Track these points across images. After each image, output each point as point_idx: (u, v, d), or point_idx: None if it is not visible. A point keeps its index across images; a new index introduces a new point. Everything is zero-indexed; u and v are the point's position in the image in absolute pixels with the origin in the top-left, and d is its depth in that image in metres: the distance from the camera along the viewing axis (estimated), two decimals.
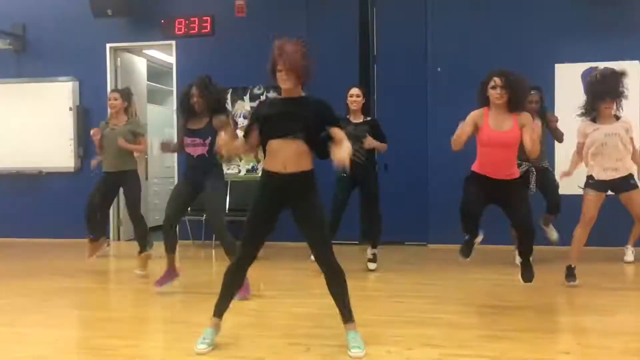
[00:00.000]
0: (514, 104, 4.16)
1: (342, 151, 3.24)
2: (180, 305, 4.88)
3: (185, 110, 4.92)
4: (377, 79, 7.81)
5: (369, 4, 7.82)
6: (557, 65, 7.20)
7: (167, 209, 4.94)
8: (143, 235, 5.97)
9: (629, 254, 6.17)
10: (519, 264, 4.52)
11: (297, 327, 3.97)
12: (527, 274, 4.38)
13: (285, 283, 5.40)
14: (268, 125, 3.41)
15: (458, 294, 4.74)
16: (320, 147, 3.41)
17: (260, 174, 3.57)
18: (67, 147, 8.54)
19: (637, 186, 5.13)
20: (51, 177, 8.60)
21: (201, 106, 4.84)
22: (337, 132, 3.37)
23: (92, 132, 6.21)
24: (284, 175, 3.36)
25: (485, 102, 4.23)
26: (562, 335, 3.80)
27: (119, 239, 8.65)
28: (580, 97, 7.05)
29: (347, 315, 3.49)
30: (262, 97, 7.99)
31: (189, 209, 5.29)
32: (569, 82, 7.15)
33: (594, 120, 5.15)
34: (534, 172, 5.86)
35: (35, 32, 8.59)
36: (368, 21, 7.83)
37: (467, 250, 4.43)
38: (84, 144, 8.51)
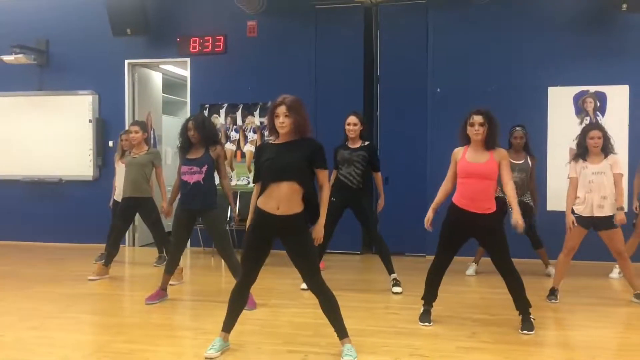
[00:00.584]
0: (490, 141, 4.50)
1: (318, 231, 3.82)
2: (191, 312, 5.33)
3: (185, 140, 5.36)
4: (380, 98, 8.22)
5: (374, 27, 8.24)
6: (550, 89, 7.56)
7: (172, 239, 5.49)
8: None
9: (615, 272, 6.52)
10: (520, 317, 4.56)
11: (297, 336, 4.40)
12: (528, 325, 4.47)
13: (289, 292, 5.82)
14: (264, 169, 3.81)
15: (447, 306, 5.12)
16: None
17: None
18: (86, 156, 9.04)
19: (617, 226, 5.31)
20: (71, 184, 9.09)
21: (196, 138, 5.30)
22: (320, 175, 3.82)
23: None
24: (276, 216, 3.76)
25: (466, 140, 4.57)
26: (537, 349, 4.18)
27: (134, 244, 9.12)
28: (572, 120, 7.54)
29: (341, 332, 3.90)
30: None
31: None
32: (561, 105, 7.54)
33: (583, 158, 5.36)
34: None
35: (57, 48, 9.09)
36: (372, 44, 8.25)
37: (426, 318, 4.68)
38: (102, 154, 8.99)
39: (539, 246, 6.58)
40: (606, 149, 5.31)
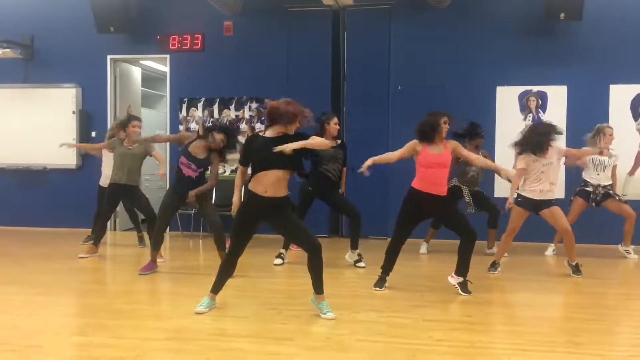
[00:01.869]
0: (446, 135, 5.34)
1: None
2: (176, 281, 5.99)
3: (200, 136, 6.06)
4: (346, 95, 8.96)
5: (341, 29, 8.97)
6: (498, 88, 8.41)
7: (159, 219, 6.10)
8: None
9: (550, 250, 7.41)
10: (457, 285, 5.32)
11: (272, 298, 5.13)
12: (465, 289, 5.24)
13: (265, 266, 6.53)
14: (256, 157, 4.44)
15: (402, 277, 5.88)
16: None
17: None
18: None
19: (554, 203, 6.11)
20: (55, 173, 9.63)
21: (217, 148, 5.95)
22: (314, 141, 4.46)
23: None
24: (265, 198, 4.40)
25: (431, 139, 5.28)
26: (468, 305, 4.94)
27: (115, 229, 9.70)
28: (517, 116, 8.38)
29: (319, 289, 4.57)
30: (246, 106, 9.11)
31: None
32: (508, 103, 8.39)
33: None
34: (470, 195, 7.09)
35: (42, 43, 9.59)
36: (340, 45, 8.98)
37: (382, 283, 5.45)
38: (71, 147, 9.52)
39: (494, 226, 7.34)
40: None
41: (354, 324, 4.37)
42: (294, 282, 5.75)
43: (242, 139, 6.94)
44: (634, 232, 7.28)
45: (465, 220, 5.35)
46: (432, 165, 5.26)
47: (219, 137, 5.96)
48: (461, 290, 5.25)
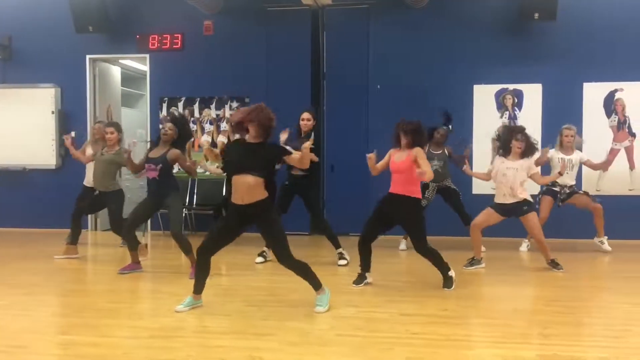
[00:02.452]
0: (411, 144, 5.41)
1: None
2: (159, 280, 6.04)
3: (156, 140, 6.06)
4: (326, 93, 9.06)
5: (320, 29, 9.07)
6: (475, 86, 8.57)
7: (128, 220, 6.09)
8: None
9: (524, 245, 7.57)
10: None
11: (254, 296, 5.21)
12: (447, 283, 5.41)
13: (247, 265, 6.61)
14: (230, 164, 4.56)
15: (382, 272, 6.01)
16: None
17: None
18: (49, 146, 9.57)
19: (529, 211, 6.22)
20: (34, 173, 9.61)
21: (169, 139, 5.98)
22: (292, 157, 4.61)
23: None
24: (243, 206, 4.51)
25: (397, 143, 5.49)
26: (445, 299, 5.07)
27: (96, 229, 9.70)
28: (494, 114, 8.54)
29: (314, 286, 4.72)
30: (227, 106, 9.17)
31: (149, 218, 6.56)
32: (484, 101, 8.55)
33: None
34: (435, 189, 7.27)
35: (21, 43, 9.56)
36: (319, 44, 9.07)
37: (360, 280, 5.57)
38: (64, 144, 9.51)
39: (468, 223, 7.47)
40: (526, 153, 6.25)
41: (334, 320, 4.48)
42: (275, 280, 5.83)
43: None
44: (604, 222, 7.46)
45: (423, 237, 5.42)
46: (394, 170, 5.50)
47: (167, 125, 6.01)
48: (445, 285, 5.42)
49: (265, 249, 6.77)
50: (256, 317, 4.53)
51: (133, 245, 6.17)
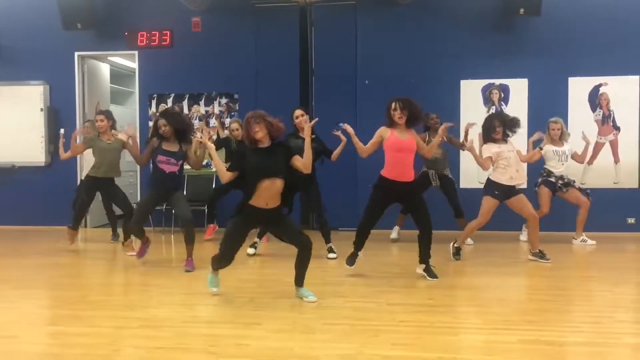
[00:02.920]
0: (412, 121, 5.50)
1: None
2: (149, 274, 6.05)
3: (159, 136, 6.08)
4: (315, 89, 9.12)
5: (308, 25, 9.12)
6: (462, 81, 8.66)
7: (136, 215, 6.16)
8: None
9: (525, 234, 7.60)
10: (423, 272, 5.54)
11: (243, 288, 5.27)
12: (431, 274, 5.48)
13: (236, 259, 6.63)
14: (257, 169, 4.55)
15: (371, 264, 6.09)
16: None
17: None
18: (39, 144, 9.56)
19: (520, 192, 6.35)
20: (24, 170, 9.59)
21: (168, 133, 6.03)
22: (297, 159, 4.65)
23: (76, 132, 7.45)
24: (266, 210, 4.57)
25: (391, 121, 5.51)
26: (432, 289, 5.14)
27: (86, 225, 9.71)
28: (481, 109, 8.63)
29: (300, 282, 4.83)
30: (216, 102, 9.20)
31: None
32: (471, 96, 8.64)
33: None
34: (436, 176, 7.38)
35: (9, 41, 9.53)
36: (308, 40, 9.13)
37: (352, 260, 5.71)
38: (54, 141, 9.53)
39: (460, 215, 7.53)
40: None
41: (321, 310, 4.54)
42: (264, 272, 5.91)
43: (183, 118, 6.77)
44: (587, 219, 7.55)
45: (426, 212, 5.49)
46: (400, 149, 5.44)
47: (160, 122, 6.04)
48: (428, 277, 5.46)
49: (257, 240, 6.82)
50: (245, 308, 4.60)
51: (141, 234, 6.25)
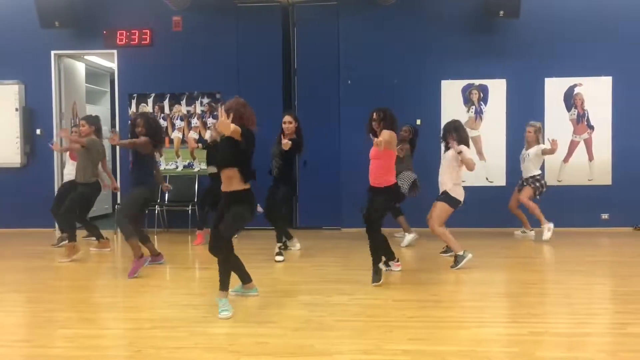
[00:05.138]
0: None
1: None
2: (147, 275, 5.99)
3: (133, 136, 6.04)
4: (297, 88, 9.16)
5: (291, 25, 9.16)
6: (443, 82, 8.83)
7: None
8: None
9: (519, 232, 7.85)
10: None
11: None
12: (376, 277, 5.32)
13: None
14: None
15: (364, 263, 6.15)
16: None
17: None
18: (14, 144, 9.32)
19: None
20: None
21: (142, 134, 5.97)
22: None
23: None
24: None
25: (372, 132, 5.54)
26: (432, 286, 5.27)
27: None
28: (461, 109, 8.82)
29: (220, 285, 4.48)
30: (197, 102, 9.16)
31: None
32: (452, 96, 8.82)
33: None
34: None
35: None
36: (290, 40, 9.16)
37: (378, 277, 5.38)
38: (30, 142, 9.33)
39: (399, 214, 7.43)
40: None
41: (329, 307, 4.60)
42: (261, 272, 5.87)
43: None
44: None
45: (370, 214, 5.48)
46: (371, 156, 5.53)
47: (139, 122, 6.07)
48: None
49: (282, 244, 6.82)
50: (253, 307, 4.63)
51: (144, 237, 6.16)
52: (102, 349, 3.69)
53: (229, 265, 4.55)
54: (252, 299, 4.85)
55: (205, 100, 9.16)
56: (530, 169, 7.73)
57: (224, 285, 4.46)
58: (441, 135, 6.56)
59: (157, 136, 6.17)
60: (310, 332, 4.01)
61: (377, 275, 5.33)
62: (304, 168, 9.04)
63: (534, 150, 7.69)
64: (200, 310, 4.56)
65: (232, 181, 4.49)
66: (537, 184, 7.69)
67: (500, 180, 8.70)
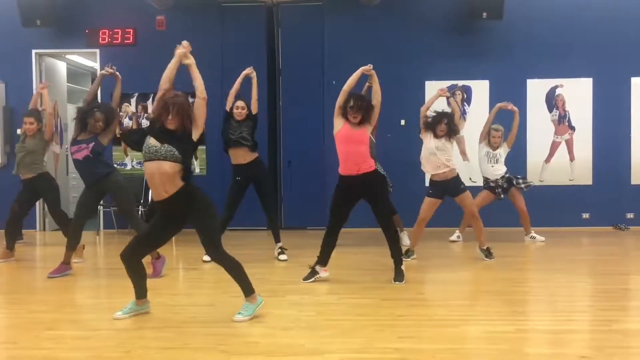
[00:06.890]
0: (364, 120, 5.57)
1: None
2: (124, 276, 5.95)
3: (84, 126, 5.89)
4: (282, 89, 9.16)
5: (275, 25, 9.15)
6: (426, 82, 8.89)
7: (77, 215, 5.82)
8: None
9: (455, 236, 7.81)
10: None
11: (232, 287, 5.23)
12: (399, 276, 5.33)
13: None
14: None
15: (353, 262, 6.22)
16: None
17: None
18: None
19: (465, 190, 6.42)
20: None
21: (100, 128, 5.88)
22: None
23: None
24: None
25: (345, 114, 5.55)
26: (419, 285, 5.37)
27: (44, 229, 9.42)
28: (445, 109, 8.83)
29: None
30: None
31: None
32: None
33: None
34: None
35: None
36: (275, 40, 9.16)
37: (310, 276, 5.40)
38: (10, 142, 9.20)
39: (393, 213, 7.32)
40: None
41: (318, 306, 4.62)
42: (249, 272, 5.86)
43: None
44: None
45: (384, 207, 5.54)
46: (347, 140, 5.47)
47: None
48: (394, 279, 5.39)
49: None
50: (240, 307, 4.59)
51: (74, 245, 5.85)
52: (89, 350, 3.65)
53: (239, 271, 4.37)
54: (240, 300, 4.83)
55: (190, 100, 9.09)
56: (503, 168, 7.62)
57: (248, 290, 4.32)
58: (427, 123, 6.58)
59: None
60: (300, 331, 4.01)
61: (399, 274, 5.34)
62: (289, 168, 9.04)
63: (503, 149, 7.64)
64: (187, 311, 4.54)
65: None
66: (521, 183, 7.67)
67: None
